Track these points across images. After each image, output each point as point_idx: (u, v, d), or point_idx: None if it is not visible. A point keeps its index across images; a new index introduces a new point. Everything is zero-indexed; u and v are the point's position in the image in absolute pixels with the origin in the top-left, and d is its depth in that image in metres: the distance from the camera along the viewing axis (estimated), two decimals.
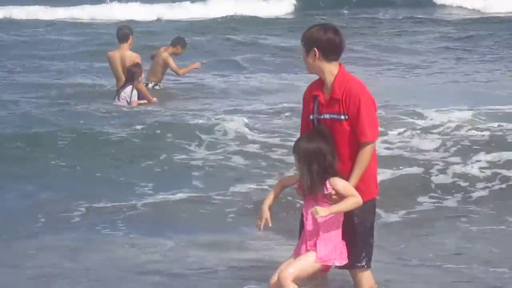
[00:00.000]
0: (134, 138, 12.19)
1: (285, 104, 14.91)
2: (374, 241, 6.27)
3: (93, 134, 12.16)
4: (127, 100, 14.39)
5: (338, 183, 5.96)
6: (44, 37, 26.94)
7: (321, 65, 6.06)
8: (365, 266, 6.19)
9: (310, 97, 6.19)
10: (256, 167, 11.14)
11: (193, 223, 9.14)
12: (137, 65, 14.54)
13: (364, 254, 6.17)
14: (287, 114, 13.95)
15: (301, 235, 6.16)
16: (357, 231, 6.12)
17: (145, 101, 14.84)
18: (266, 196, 6.13)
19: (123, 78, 14.66)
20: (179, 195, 10.00)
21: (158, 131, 12.37)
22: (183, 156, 11.54)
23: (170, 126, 12.56)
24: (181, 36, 17.42)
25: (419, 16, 33.10)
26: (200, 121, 12.76)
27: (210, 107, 15.04)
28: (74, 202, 9.71)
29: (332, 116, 6.05)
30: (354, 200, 5.95)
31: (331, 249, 6.01)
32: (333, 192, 5.96)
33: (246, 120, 12.83)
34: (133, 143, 12.04)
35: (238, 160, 11.38)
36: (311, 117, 6.17)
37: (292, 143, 6.25)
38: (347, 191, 5.96)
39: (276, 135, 12.28)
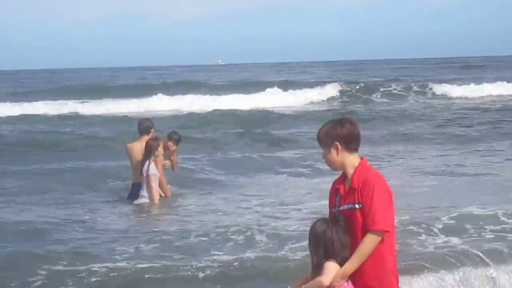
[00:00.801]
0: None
1: None
2: None
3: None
4: (146, 175, 14.39)
5: (326, 266, 6.01)
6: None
7: (344, 158, 6.18)
8: None
9: (333, 191, 6.28)
10: None
11: None
12: (155, 139, 14.85)
13: None
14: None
15: None
16: None
17: (163, 194, 14.97)
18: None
19: None
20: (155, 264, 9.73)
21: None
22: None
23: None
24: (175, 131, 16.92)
25: None
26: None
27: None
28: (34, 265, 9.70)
29: (349, 206, 6.10)
30: (316, 279, 6.00)
31: None
32: None
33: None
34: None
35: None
36: (334, 210, 6.24)
37: None
38: (323, 272, 6.01)
39: None
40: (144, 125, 15.44)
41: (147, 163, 14.42)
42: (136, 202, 14.54)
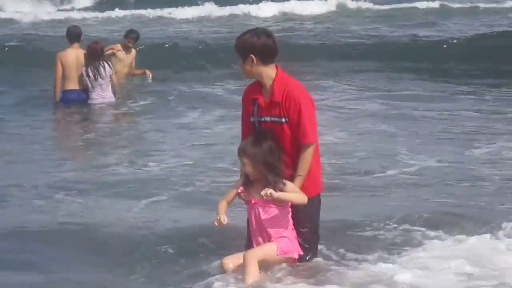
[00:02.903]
0: None
1: None
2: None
3: None
4: (109, 76, 14.79)
5: (289, 184, 6.22)
6: None
7: (260, 70, 6.27)
8: (315, 256, 6.57)
9: (249, 100, 6.40)
10: None
11: None
12: (96, 42, 15.35)
13: (313, 246, 6.49)
14: None
15: (251, 237, 6.41)
16: (305, 226, 6.43)
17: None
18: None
19: (76, 79, 14.93)
20: None
21: None
22: None
23: None
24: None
25: None
26: None
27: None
28: None
29: (272, 118, 6.29)
30: (302, 196, 6.25)
31: (288, 243, 6.33)
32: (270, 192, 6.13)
33: None
34: None
35: None
36: (252, 119, 6.39)
37: None
38: (294, 190, 6.26)
39: None
40: (75, 31, 15.41)
41: (102, 65, 14.67)
42: (94, 101, 14.80)
